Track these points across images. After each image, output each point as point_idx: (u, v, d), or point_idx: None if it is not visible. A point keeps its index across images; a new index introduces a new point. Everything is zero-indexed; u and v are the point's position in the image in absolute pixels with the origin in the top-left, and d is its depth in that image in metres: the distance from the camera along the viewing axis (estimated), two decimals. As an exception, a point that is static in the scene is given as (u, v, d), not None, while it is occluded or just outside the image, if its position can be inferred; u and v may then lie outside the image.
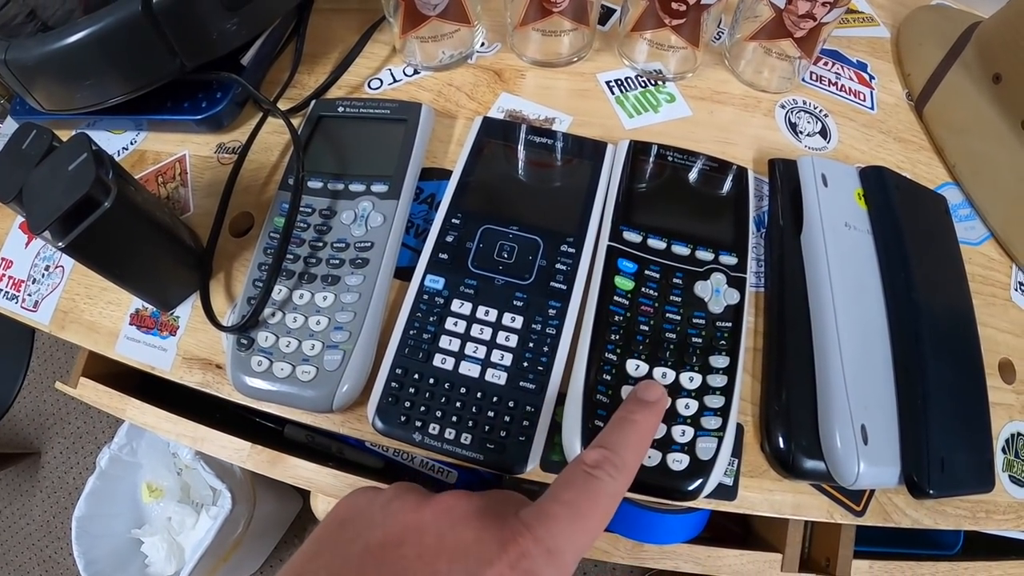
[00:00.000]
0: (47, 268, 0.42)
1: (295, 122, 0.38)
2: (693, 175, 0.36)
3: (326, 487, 0.40)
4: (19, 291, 0.42)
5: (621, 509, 0.40)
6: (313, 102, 0.39)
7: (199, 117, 0.40)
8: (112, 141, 0.44)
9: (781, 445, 0.31)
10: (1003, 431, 0.34)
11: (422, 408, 0.30)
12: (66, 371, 1.24)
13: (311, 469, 0.40)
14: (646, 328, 0.31)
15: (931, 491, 0.30)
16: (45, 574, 1.10)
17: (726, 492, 0.31)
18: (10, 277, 0.42)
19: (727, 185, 0.35)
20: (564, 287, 0.32)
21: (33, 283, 0.41)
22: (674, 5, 0.35)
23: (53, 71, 0.38)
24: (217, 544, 0.63)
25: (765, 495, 0.31)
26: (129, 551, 0.65)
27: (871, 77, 0.43)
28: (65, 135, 0.45)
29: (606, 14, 0.44)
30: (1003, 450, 0.34)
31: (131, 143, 0.43)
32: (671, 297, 0.32)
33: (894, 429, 0.31)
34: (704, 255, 0.33)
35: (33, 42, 0.37)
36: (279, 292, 0.33)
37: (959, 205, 0.39)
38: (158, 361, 0.36)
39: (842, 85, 0.42)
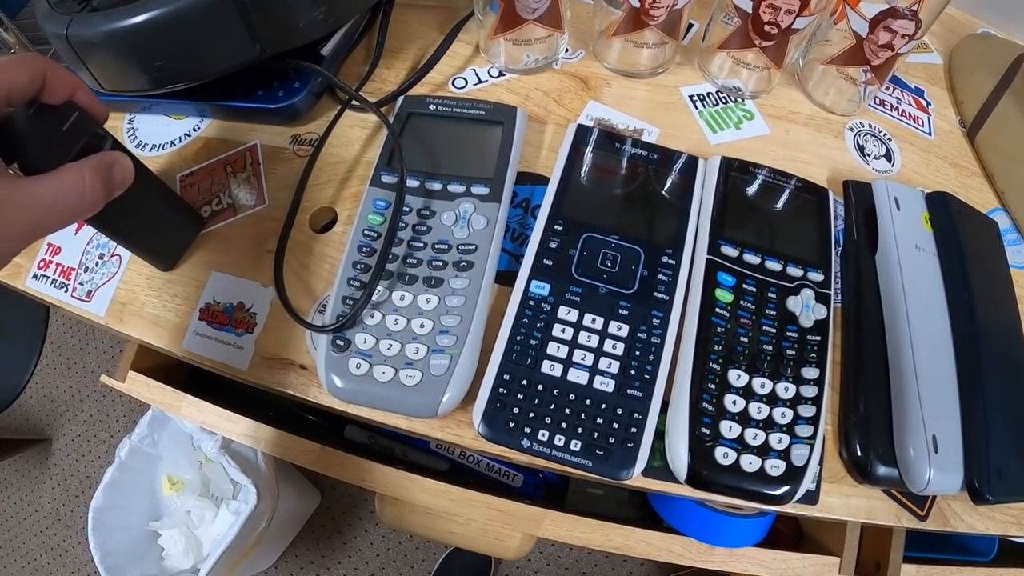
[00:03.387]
0: (101, 256, 0.40)
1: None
2: (781, 193, 0.37)
3: (394, 489, 0.40)
4: (69, 279, 0.39)
5: (694, 512, 0.41)
6: (401, 98, 0.38)
7: (275, 107, 0.38)
8: (172, 127, 0.42)
9: (859, 452, 0.33)
10: (1047, 444, 0.37)
11: (531, 415, 0.30)
12: (80, 357, 1.19)
13: (382, 471, 0.40)
14: (745, 340, 0.32)
15: (990, 497, 0.32)
16: (54, 562, 1.06)
17: (810, 497, 0.33)
18: (58, 264, 0.40)
19: (812, 205, 0.37)
20: (666, 297, 0.32)
21: (85, 271, 0.39)
22: (767, 28, 0.36)
23: (120, 50, 0.36)
24: (240, 540, 0.61)
25: (843, 500, 0.33)
26: (146, 544, 0.63)
27: (928, 103, 0.45)
28: (117, 118, 0.43)
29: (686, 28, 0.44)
30: (1047, 461, 0.37)
31: (194, 129, 0.41)
32: (767, 311, 0.33)
33: (959, 439, 0.33)
34: (794, 271, 0.34)
35: (100, 17, 0.35)
36: (377, 292, 0.32)
37: (1007, 230, 0.41)
38: (234, 360, 0.35)
39: (902, 110, 0.44)
